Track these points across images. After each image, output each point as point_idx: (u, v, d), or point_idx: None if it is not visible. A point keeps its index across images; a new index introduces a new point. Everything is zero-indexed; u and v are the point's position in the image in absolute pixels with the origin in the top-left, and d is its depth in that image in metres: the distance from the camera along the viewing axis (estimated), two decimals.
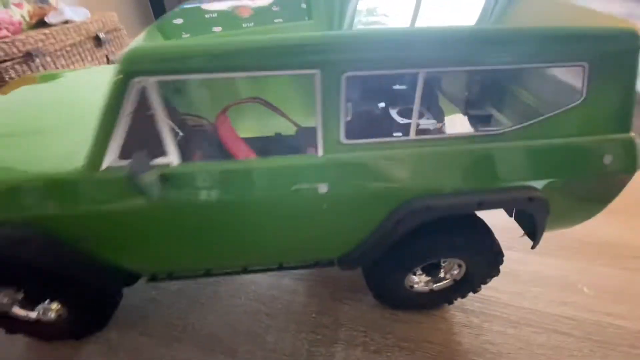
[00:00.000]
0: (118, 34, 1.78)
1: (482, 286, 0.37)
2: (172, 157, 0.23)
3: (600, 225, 0.50)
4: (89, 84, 0.36)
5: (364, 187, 0.25)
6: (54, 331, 0.34)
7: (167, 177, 0.23)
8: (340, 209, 0.26)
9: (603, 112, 0.25)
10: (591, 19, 0.24)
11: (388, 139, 0.25)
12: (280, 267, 0.33)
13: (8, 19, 1.29)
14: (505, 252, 0.45)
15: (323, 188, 0.25)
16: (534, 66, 0.24)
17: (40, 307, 0.33)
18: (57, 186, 0.24)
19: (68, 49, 1.47)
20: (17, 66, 1.36)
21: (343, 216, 0.26)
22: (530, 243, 0.46)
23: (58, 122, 0.29)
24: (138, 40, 0.22)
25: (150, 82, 0.21)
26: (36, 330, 0.34)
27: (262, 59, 0.20)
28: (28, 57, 1.34)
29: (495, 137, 0.25)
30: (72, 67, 1.57)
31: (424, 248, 0.30)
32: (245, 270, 0.33)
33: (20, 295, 0.31)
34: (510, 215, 0.34)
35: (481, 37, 0.22)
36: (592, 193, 0.28)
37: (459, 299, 0.39)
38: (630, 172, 0.27)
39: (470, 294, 0.38)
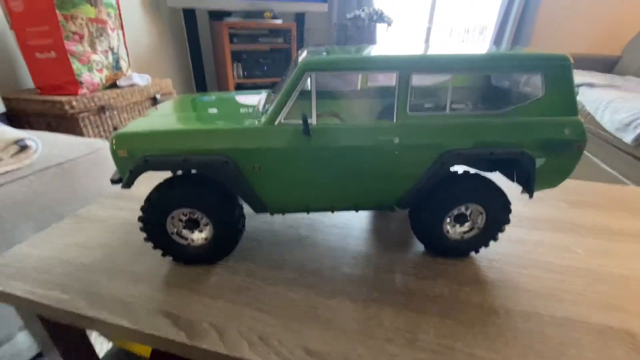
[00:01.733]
0: (171, 96, 2.17)
1: (499, 236, 0.50)
2: (313, 119, 0.41)
3: (588, 215, 0.65)
4: (232, 99, 0.56)
5: (421, 140, 0.42)
6: (196, 255, 0.48)
7: (311, 129, 0.41)
8: (406, 154, 0.43)
9: (558, 103, 0.43)
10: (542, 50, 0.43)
11: (433, 112, 0.43)
12: (357, 208, 0.48)
13: (90, 80, 1.63)
14: (513, 228, 0.59)
15: (396, 140, 0.42)
16: (516, 72, 0.43)
17: (196, 231, 0.47)
18: (248, 132, 0.41)
19: (131, 105, 1.82)
20: (91, 117, 1.68)
21: (408, 159, 0.43)
22: (531, 220, 0.61)
23: (225, 112, 0.49)
24: (304, 55, 0.42)
25: (313, 75, 0.40)
26: (183, 253, 0.48)
27: (375, 66, 0.40)
28: (101, 110, 1.66)
29: (497, 114, 0.43)
30: (132, 119, 1.90)
31: (454, 194, 0.46)
32: (332, 210, 0.49)
33: (189, 216, 0.46)
34: (512, 180, 0.49)
35: (492, 56, 0.41)
36: (563, 155, 0.45)
37: (483, 249, 0.52)
38: (582, 140, 0.44)
39: (492, 244, 0.51)
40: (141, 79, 1.88)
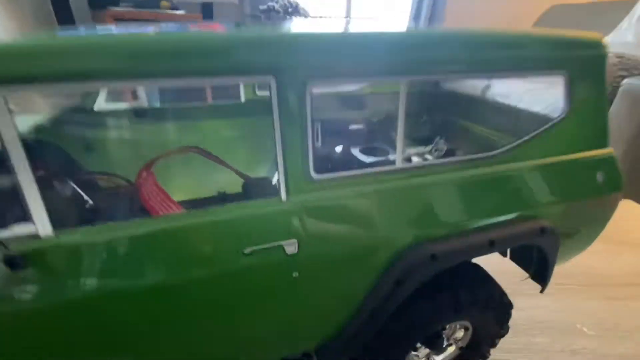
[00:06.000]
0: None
1: (492, 351, 0.30)
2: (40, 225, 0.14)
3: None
4: None
5: (347, 238, 0.18)
6: None
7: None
8: (318, 274, 0.18)
9: (585, 126, 0.24)
10: (555, 31, 0.23)
11: (371, 170, 0.19)
12: None
13: None
14: None
15: (291, 247, 0.17)
16: (515, 75, 0.22)
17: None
18: None
19: None
20: None
21: (322, 285, 0.18)
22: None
23: None
24: None
25: None
26: None
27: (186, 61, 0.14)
28: None
29: (488, 160, 0.21)
30: None
31: (425, 314, 0.23)
32: None
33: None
34: (504, 256, 0.29)
35: (484, 38, 0.18)
36: (590, 217, 0.25)
37: None
38: (619, 190, 0.25)
39: None
40: None
